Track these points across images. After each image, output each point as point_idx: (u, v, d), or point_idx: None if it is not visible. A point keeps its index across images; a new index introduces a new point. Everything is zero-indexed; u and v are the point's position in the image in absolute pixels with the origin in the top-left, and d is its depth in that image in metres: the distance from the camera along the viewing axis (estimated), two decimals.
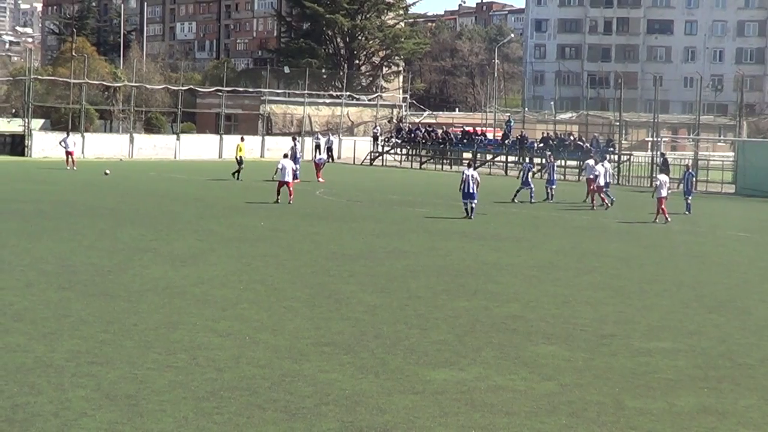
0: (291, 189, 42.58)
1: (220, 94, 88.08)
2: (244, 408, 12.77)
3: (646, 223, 40.25)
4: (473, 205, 39.13)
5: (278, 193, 42.49)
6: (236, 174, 56.77)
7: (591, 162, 49.03)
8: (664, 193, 40.90)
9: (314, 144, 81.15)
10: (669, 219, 40.66)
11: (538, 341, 17.31)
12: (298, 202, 42.91)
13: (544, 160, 56.68)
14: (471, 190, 39.02)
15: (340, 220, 36.81)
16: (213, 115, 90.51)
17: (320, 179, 56.58)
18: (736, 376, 15.44)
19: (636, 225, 39.32)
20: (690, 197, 44.61)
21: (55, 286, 20.96)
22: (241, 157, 58.06)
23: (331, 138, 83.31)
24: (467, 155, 77.57)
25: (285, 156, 44.74)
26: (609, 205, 45.53)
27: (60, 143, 64.24)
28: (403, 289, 22.06)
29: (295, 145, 59.45)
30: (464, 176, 39.43)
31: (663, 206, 40.71)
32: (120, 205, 39.43)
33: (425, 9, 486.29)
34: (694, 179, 45.77)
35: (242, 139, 63.97)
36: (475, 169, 42.66)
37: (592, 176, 46.38)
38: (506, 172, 74.57)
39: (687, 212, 43.95)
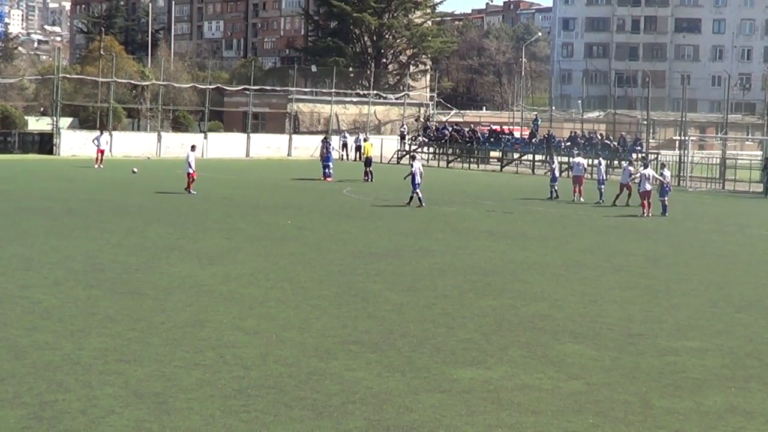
0: (190, 180, 44.65)
1: (248, 92, 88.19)
2: (271, 406, 12.79)
3: (636, 217, 40.77)
4: (419, 194, 41.90)
5: (188, 185, 44.79)
6: (367, 176, 57.19)
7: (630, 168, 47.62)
8: (648, 187, 41.80)
9: (341, 143, 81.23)
10: (650, 215, 41.23)
11: (565, 340, 17.29)
12: (325, 202, 43.11)
13: (571, 159, 56.39)
14: (417, 181, 41.77)
15: (367, 219, 36.83)
16: (240, 114, 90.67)
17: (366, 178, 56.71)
18: (764, 375, 15.38)
19: (664, 224, 39.15)
20: (666, 198, 43.49)
21: (83, 284, 21.05)
22: (368, 157, 58.28)
23: (361, 137, 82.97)
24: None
25: (192, 148, 45.82)
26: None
27: (93, 141, 64.54)
28: (429, 288, 22.06)
29: (326, 144, 59.60)
30: (414, 169, 42.17)
31: (648, 200, 41.59)
32: (147, 204, 39.56)
33: (452, 8, 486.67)
34: (667, 178, 44.57)
35: (365, 140, 64.04)
36: (419, 160, 45.57)
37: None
38: (533, 171, 74.41)
39: (663, 214, 42.98)
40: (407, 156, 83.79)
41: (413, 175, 42.02)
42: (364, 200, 44.38)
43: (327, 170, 57.00)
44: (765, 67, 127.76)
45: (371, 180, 56.14)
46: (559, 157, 53.62)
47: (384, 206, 41.83)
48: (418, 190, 41.95)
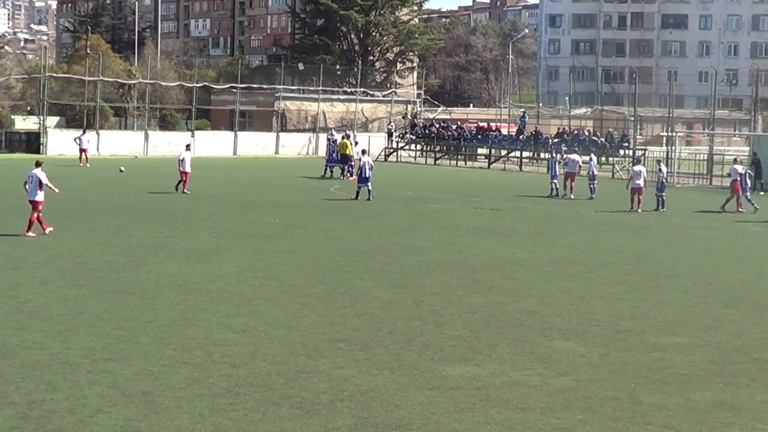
0: (186, 180, 44.28)
1: (235, 90, 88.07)
2: (259, 404, 12.79)
3: (624, 212, 41.25)
4: (369, 188, 43.25)
5: (178, 183, 44.43)
6: (343, 171, 57.99)
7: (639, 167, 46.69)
8: (639, 183, 42.22)
9: (329, 140, 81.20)
10: (640, 210, 41.64)
11: (553, 337, 17.31)
12: (312, 200, 43.16)
13: (561, 156, 56.23)
14: (367, 175, 43.05)
15: (355, 216, 36.82)
16: (227, 112, 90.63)
17: (352, 177, 57.02)
18: (752, 371, 15.42)
19: (652, 220, 39.19)
20: (663, 193, 43.62)
21: (71, 283, 21.02)
22: (344, 154, 58.79)
23: (339, 135, 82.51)
24: (483, 150, 77.86)
25: (187, 148, 45.73)
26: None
27: (75, 140, 64.57)
28: (417, 285, 22.07)
29: (332, 141, 61.09)
30: (362, 162, 43.79)
31: (640, 195, 42.06)
32: (135, 202, 39.51)
33: (439, 5, 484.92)
34: (663, 174, 44.54)
35: (347, 136, 64.56)
36: (368, 155, 46.54)
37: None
38: (521, 168, 74.47)
39: (661, 209, 43.06)
40: (394, 153, 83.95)
41: (362, 169, 43.51)
42: (351, 197, 44.29)
43: (351, 169, 57.61)
44: (752, 62, 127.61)
45: (349, 178, 56.39)
46: (559, 155, 53.49)
47: (371, 203, 41.79)
48: (369, 184, 43.17)
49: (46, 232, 28.71)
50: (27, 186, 28.99)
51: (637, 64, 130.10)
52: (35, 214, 28.72)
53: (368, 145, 79.96)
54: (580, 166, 50.58)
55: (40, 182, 28.84)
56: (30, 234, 28.38)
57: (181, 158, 44.52)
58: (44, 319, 17.49)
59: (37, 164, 29.69)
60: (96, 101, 79.43)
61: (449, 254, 27.42)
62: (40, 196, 28.74)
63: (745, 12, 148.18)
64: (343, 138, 63.42)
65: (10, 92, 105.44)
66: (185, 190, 43.74)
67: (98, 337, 16.19)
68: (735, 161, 47.79)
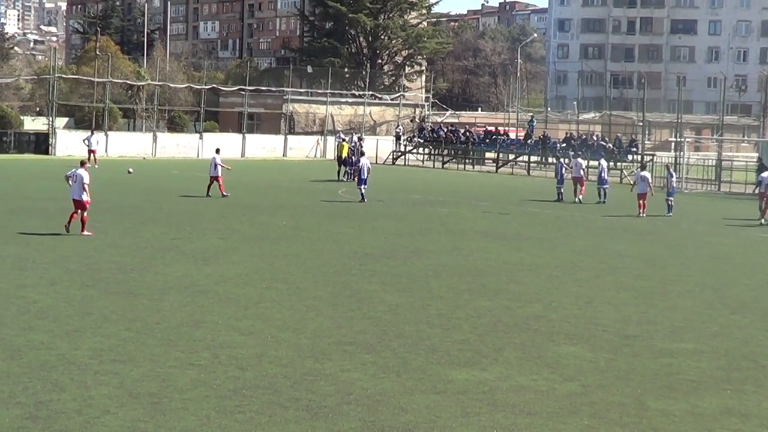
0: (220, 183, 43.53)
1: (243, 93, 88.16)
2: (266, 407, 12.79)
3: (632, 217, 41.38)
4: (362, 190, 44.09)
5: (208, 188, 43.80)
6: (339, 174, 59.04)
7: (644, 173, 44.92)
8: (644, 188, 42.34)
9: (336, 143, 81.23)
10: (644, 215, 41.80)
11: (561, 342, 17.29)
12: (320, 202, 43.18)
13: (571, 160, 56.15)
14: (363, 177, 44.40)
15: (362, 220, 36.81)
16: (236, 114, 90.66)
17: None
18: (759, 377, 15.39)
19: (660, 225, 39.16)
20: (671, 198, 43.77)
21: (79, 284, 21.03)
22: (342, 156, 59.65)
23: (355, 137, 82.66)
24: (490, 154, 78.03)
25: (217, 151, 45.41)
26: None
27: (84, 141, 64.71)
28: (425, 289, 22.06)
29: (354, 142, 61.56)
30: (360, 164, 45.11)
31: (644, 201, 42.23)
32: (143, 204, 39.54)
33: (448, 8, 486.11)
34: (673, 179, 44.63)
35: (345, 140, 65.21)
36: (367, 157, 48.50)
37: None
38: (529, 172, 74.45)
39: (668, 213, 43.14)
40: (401, 156, 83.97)
41: (360, 171, 44.47)
42: (358, 200, 44.27)
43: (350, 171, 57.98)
44: (761, 68, 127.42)
45: (346, 180, 57.05)
46: (565, 159, 53.62)
47: (379, 207, 41.79)
48: (362, 186, 43.89)
49: (66, 227, 29.02)
50: (69, 181, 29.74)
51: (645, 69, 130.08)
52: (84, 214, 29.37)
53: (376, 149, 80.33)
54: (584, 170, 50.62)
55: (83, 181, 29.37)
56: (86, 233, 29.10)
57: (215, 163, 44.03)
58: (52, 319, 17.51)
59: (82, 164, 30.54)
60: (105, 102, 79.59)
61: (456, 258, 27.41)
62: (85, 196, 29.11)
63: (755, 18, 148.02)
64: (342, 141, 63.96)
65: (19, 93, 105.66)
66: (208, 194, 43.50)
67: (105, 338, 16.20)
68: None
